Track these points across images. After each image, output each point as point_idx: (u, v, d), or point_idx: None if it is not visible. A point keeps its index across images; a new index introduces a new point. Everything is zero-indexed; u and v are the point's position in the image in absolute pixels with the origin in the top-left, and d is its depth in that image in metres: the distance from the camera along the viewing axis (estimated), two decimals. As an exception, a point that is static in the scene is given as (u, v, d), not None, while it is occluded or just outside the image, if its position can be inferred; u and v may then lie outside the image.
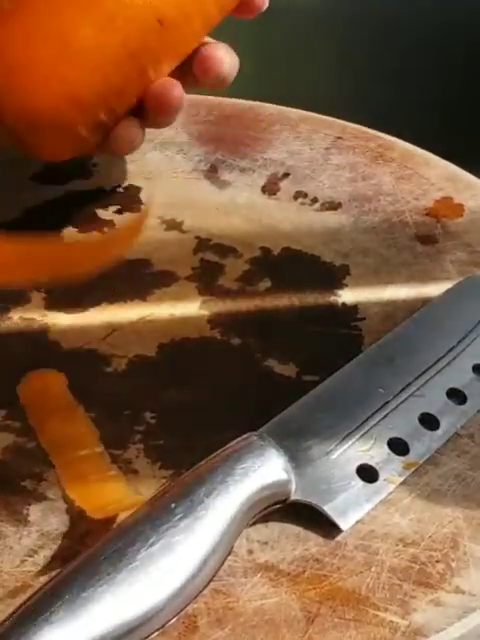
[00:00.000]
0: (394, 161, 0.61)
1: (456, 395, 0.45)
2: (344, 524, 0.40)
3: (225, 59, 0.52)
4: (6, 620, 0.35)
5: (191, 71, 0.52)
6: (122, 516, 0.39)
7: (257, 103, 0.66)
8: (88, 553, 0.37)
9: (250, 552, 0.39)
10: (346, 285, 0.53)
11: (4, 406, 0.45)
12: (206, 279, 0.53)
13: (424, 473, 0.42)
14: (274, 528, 0.40)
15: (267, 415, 0.43)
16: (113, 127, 0.51)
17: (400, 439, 0.43)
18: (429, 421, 0.44)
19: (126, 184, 0.60)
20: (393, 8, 0.96)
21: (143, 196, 0.59)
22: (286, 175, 0.60)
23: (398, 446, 0.43)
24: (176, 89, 0.51)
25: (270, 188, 0.59)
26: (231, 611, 0.37)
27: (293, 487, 0.40)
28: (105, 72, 0.49)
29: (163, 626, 0.36)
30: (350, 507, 0.40)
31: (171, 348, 0.48)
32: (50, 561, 0.39)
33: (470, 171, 0.60)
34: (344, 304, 0.51)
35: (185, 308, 0.51)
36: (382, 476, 0.42)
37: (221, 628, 0.37)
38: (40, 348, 0.48)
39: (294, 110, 0.66)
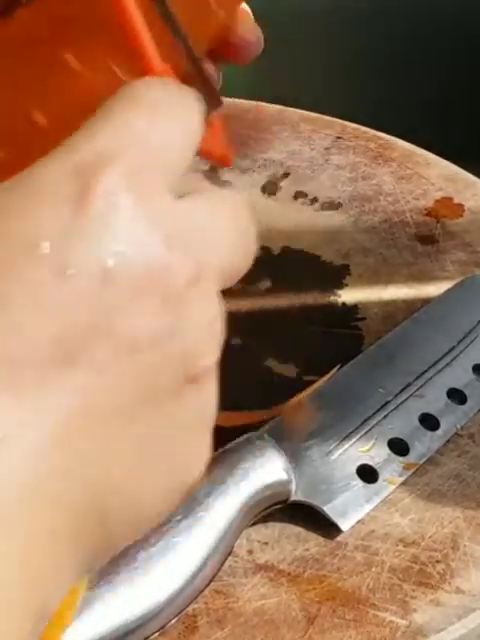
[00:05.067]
0: (394, 161, 0.61)
1: (456, 395, 0.45)
2: (344, 524, 0.40)
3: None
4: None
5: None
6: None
7: (257, 103, 0.66)
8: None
9: (250, 552, 0.39)
10: (346, 285, 0.53)
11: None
12: (206, 279, 0.53)
13: (424, 473, 0.42)
14: (274, 528, 0.40)
15: (267, 415, 0.43)
16: None
17: (400, 439, 0.43)
18: (429, 421, 0.44)
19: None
20: (393, 8, 0.96)
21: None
22: (286, 175, 0.60)
23: (398, 446, 0.43)
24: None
25: (270, 188, 0.59)
26: (231, 611, 0.37)
27: (293, 487, 0.40)
28: None
29: (163, 626, 0.36)
30: (350, 507, 0.40)
31: (171, 348, 0.48)
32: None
33: (470, 171, 0.60)
34: (344, 304, 0.51)
35: (185, 308, 0.51)
36: (382, 476, 0.42)
37: (221, 628, 0.37)
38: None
39: (294, 110, 0.66)
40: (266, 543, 0.40)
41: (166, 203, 0.25)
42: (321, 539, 0.40)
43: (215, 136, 0.38)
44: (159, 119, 0.26)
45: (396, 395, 0.44)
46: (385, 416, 0.43)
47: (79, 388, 0.23)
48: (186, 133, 0.27)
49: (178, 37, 0.35)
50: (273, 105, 0.66)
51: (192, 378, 0.25)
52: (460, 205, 0.58)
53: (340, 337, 0.49)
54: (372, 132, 0.64)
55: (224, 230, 0.28)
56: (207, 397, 0.26)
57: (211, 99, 0.37)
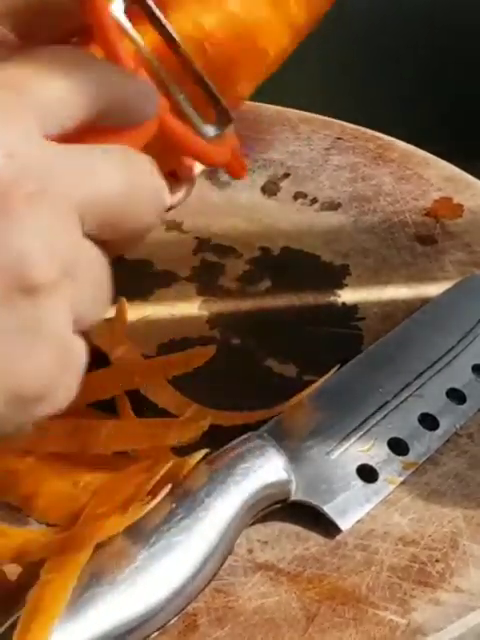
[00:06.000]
0: (394, 161, 0.62)
1: (456, 395, 0.45)
2: (344, 524, 0.40)
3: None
4: (7, 620, 0.35)
5: None
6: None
7: (257, 104, 0.66)
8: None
9: (250, 551, 0.39)
10: (346, 285, 0.53)
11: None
12: (206, 279, 0.53)
13: (424, 473, 0.43)
14: (274, 527, 0.40)
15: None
16: None
17: (400, 439, 0.43)
18: (429, 421, 0.44)
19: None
20: (393, 8, 0.96)
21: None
22: (286, 175, 0.60)
23: (398, 446, 0.43)
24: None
25: (270, 188, 0.60)
26: (231, 610, 0.37)
27: (293, 487, 0.40)
28: None
29: (163, 625, 0.36)
30: (350, 507, 0.40)
31: (171, 348, 0.48)
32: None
33: (470, 171, 0.61)
34: (344, 304, 0.51)
35: (185, 308, 0.51)
36: (382, 476, 0.42)
37: (221, 627, 0.37)
38: (41, 348, 0.48)
39: (294, 111, 0.66)
40: (266, 542, 0.40)
41: (30, 136, 0.27)
42: (321, 538, 0.40)
43: (229, 150, 0.39)
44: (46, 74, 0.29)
45: (396, 395, 0.44)
46: (385, 416, 0.43)
47: None
48: (73, 91, 0.29)
49: (183, 57, 0.36)
50: (272, 105, 0.66)
51: (25, 289, 0.27)
52: (459, 205, 0.58)
53: (340, 337, 0.49)
54: (371, 132, 0.64)
55: (106, 168, 0.29)
56: (45, 315, 0.27)
57: (221, 116, 0.38)
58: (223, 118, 0.38)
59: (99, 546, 0.36)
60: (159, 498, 0.37)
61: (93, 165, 0.29)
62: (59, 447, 0.41)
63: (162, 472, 0.38)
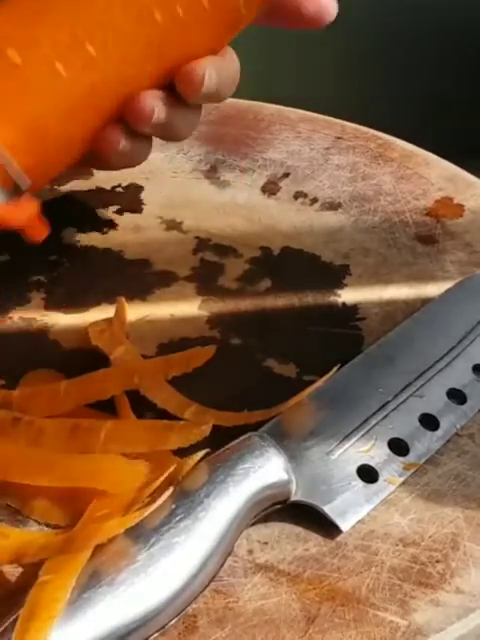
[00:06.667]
0: (394, 161, 0.61)
1: (456, 395, 0.45)
2: (344, 525, 0.40)
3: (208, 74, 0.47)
4: (6, 620, 0.35)
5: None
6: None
7: (257, 103, 0.66)
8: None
9: (250, 552, 0.39)
10: (346, 285, 0.53)
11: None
12: (206, 279, 0.53)
13: (424, 473, 0.42)
14: (274, 528, 0.40)
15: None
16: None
17: (400, 439, 0.43)
18: (429, 421, 0.44)
19: (126, 184, 0.60)
20: (393, 8, 0.96)
21: (143, 196, 0.59)
22: (286, 175, 0.60)
23: (398, 446, 0.43)
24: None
25: (270, 188, 0.59)
26: (231, 611, 0.37)
27: (293, 487, 0.40)
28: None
29: (163, 626, 0.36)
30: (350, 508, 0.40)
31: (171, 348, 0.48)
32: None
33: (470, 171, 0.60)
34: (344, 304, 0.51)
35: (185, 308, 0.51)
36: (382, 476, 0.42)
37: (221, 628, 0.37)
38: (40, 348, 0.48)
39: (294, 110, 0.66)
40: (266, 543, 0.40)
41: None
42: (321, 539, 0.40)
43: (25, 214, 0.43)
44: None
45: (396, 395, 0.44)
46: (385, 416, 0.43)
47: None
48: None
49: None
50: (273, 105, 0.66)
51: None
52: (460, 205, 0.58)
53: (340, 337, 0.49)
54: (372, 132, 0.64)
55: None
56: None
57: (16, 184, 0.42)
58: (17, 186, 0.42)
59: (99, 546, 0.36)
60: (160, 501, 0.37)
61: None
62: (58, 447, 0.41)
63: (164, 476, 0.38)
